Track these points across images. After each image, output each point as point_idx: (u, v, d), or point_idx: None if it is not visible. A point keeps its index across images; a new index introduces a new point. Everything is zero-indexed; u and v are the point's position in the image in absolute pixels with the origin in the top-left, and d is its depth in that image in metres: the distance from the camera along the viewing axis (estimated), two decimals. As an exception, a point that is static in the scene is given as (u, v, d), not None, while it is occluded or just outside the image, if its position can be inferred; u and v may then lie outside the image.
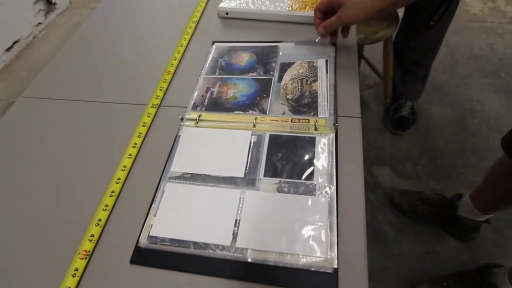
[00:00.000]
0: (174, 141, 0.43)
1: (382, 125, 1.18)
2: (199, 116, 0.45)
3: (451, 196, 0.91)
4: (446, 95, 1.23)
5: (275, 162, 0.39)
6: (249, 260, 0.32)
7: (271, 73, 0.49)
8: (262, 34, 0.56)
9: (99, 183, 0.40)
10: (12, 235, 0.37)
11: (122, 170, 0.40)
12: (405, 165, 1.07)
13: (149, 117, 0.46)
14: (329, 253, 0.31)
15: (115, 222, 0.37)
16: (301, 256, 0.32)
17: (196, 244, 0.34)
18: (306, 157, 0.39)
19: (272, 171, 0.38)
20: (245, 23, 0.59)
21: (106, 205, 0.38)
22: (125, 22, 0.65)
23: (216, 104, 0.46)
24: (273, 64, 0.50)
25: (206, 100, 0.47)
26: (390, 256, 0.88)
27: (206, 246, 0.33)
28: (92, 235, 0.35)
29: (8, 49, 1.51)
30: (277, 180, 0.37)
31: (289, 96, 0.46)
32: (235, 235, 0.34)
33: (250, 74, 0.50)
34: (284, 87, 0.47)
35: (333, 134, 0.40)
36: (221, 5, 0.60)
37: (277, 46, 0.53)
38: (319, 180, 0.37)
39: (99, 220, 0.36)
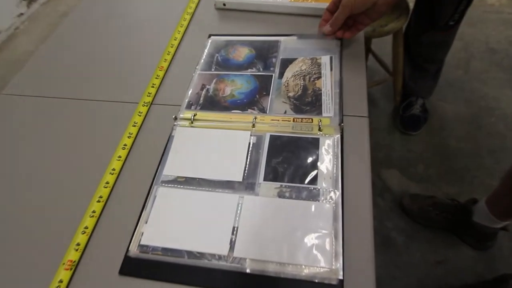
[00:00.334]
0: (167, 142, 0.43)
1: (391, 125, 1.18)
2: (194, 115, 0.45)
3: (465, 200, 0.91)
4: (460, 91, 1.23)
5: (276, 165, 0.39)
6: (248, 270, 0.32)
7: (272, 69, 0.49)
8: (262, 27, 0.56)
9: (85, 188, 0.40)
10: (-9, 244, 0.37)
11: (110, 173, 0.40)
12: (416, 167, 1.07)
13: (140, 116, 0.46)
14: (334, 263, 0.32)
15: (103, 230, 0.37)
16: (303, 266, 0.32)
17: (190, 254, 0.34)
18: (309, 159, 0.39)
19: (272, 174, 0.38)
20: (243, 15, 0.59)
21: (94, 211, 0.37)
22: (115, 13, 0.65)
23: (212, 103, 0.46)
24: (274, 60, 0.50)
25: (201, 98, 0.47)
26: (399, 265, 0.88)
27: (201, 255, 0.33)
28: (78, 244, 0.35)
29: (-13, 42, 1.51)
30: (278, 184, 0.37)
31: (290, 94, 0.46)
32: (232, 244, 0.34)
33: (249, 70, 0.50)
34: (286, 84, 0.47)
35: (339, 135, 0.40)
36: (217, -5, 0.60)
37: (278, 40, 0.53)
38: (323, 184, 0.37)
39: (86, 227, 0.36)
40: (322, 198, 0.36)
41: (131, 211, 0.38)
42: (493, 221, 0.83)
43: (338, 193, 0.36)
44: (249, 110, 0.45)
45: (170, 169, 0.40)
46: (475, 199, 0.89)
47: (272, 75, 0.48)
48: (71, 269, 0.34)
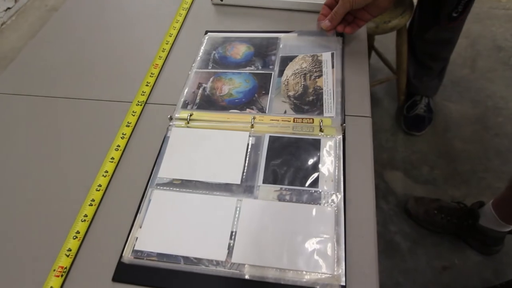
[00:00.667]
0: (162, 143, 0.43)
1: (395, 125, 1.19)
2: (190, 115, 0.45)
3: (471, 204, 0.92)
4: (466, 91, 1.24)
5: (276, 167, 0.39)
6: (247, 277, 0.32)
7: (271, 67, 0.49)
8: (261, 23, 0.56)
9: (77, 191, 0.40)
10: (-22, 250, 0.37)
11: (103, 175, 0.41)
12: (421, 169, 1.07)
13: (134, 116, 0.46)
14: (336, 269, 0.32)
15: (95, 235, 0.37)
16: (304, 272, 0.32)
17: (186, 259, 0.34)
18: (310, 161, 0.39)
19: (272, 177, 0.38)
20: (242, 10, 0.59)
21: (85, 216, 0.38)
22: (107, 8, 0.65)
23: (209, 102, 0.47)
24: (273, 57, 0.51)
25: (198, 97, 0.47)
26: (403, 271, 0.89)
27: (198, 261, 0.34)
28: (70, 249, 0.35)
29: (-28, 38, 1.50)
30: (277, 187, 0.38)
31: (291, 93, 0.46)
32: (230, 249, 0.34)
33: (247, 68, 0.50)
34: (285, 83, 0.47)
35: (340, 136, 0.40)
36: (214, -10, 0.61)
37: (277, 37, 0.53)
38: (324, 187, 0.37)
39: (77, 232, 0.36)
40: (324, 201, 0.36)
41: (125, 215, 0.38)
42: (500, 224, 0.83)
43: (340, 196, 0.36)
44: (247, 110, 0.45)
45: (166, 171, 0.40)
46: (482, 202, 0.89)
47: (271, 73, 0.49)
48: (62, 275, 0.34)
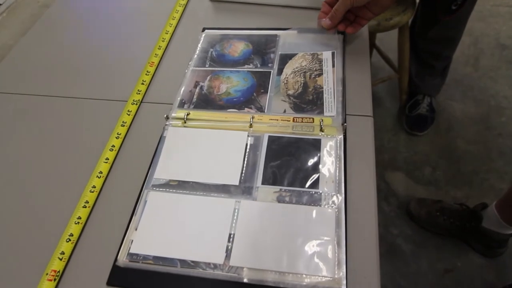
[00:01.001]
0: (158, 143, 0.43)
1: (396, 125, 1.19)
2: (187, 114, 0.45)
3: (474, 205, 0.92)
4: (469, 90, 1.24)
5: (275, 168, 0.39)
6: (245, 280, 0.32)
7: (270, 65, 0.49)
8: (259, 20, 0.57)
9: (70, 192, 0.40)
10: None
11: (97, 176, 0.40)
12: (423, 170, 1.08)
13: (129, 115, 0.46)
14: (336, 272, 0.32)
15: (89, 237, 0.37)
16: (304, 275, 0.32)
17: (183, 263, 0.34)
18: (310, 162, 0.39)
19: (271, 178, 0.38)
20: (240, 7, 0.59)
21: (79, 218, 0.37)
22: (102, 4, 0.65)
23: (206, 101, 0.47)
24: (272, 55, 0.51)
25: (195, 96, 0.47)
26: (405, 274, 0.89)
27: (195, 264, 0.34)
28: (63, 253, 0.35)
29: (-38, 35, 1.49)
30: (277, 188, 0.38)
31: (290, 92, 0.46)
32: (228, 252, 0.34)
33: (246, 66, 0.50)
34: (285, 81, 0.47)
35: (341, 136, 0.40)
36: (212, -14, 0.61)
37: (276, 34, 0.53)
38: (325, 188, 0.37)
39: (71, 235, 0.36)
40: (324, 203, 0.36)
41: (120, 217, 0.37)
42: (504, 226, 0.84)
43: (341, 197, 0.36)
44: (246, 109, 0.45)
45: (162, 172, 0.40)
46: (485, 203, 0.90)
47: (270, 72, 0.49)
48: (54, 280, 0.34)
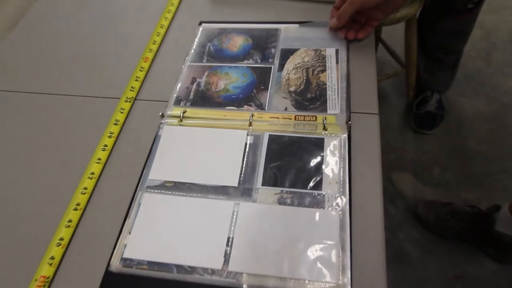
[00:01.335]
0: (153, 142, 0.43)
1: (403, 123, 1.19)
2: (184, 112, 0.45)
3: (486, 208, 0.92)
4: (481, 86, 1.24)
5: (276, 169, 0.39)
6: (244, 286, 0.32)
7: (270, 60, 0.50)
8: (259, 13, 0.57)
9: (61, 194, 0.40)
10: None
11: (89, 177, 0.40)
12: (431, 170, 1.08)
13: (122, 113, 0.46)
14: (340, 277, 0.32)
15: (80, 241, 0.37)
16: (307, 281, 0.32)
17: (180, 268, 0.34)
18: (313, 162, 0.39)
19: (271, 179, 0.38)
20: (238, -1, 0.59)
21: (70, 221, 0.37)
22: (93, -3, 0.65)
23: (203, 98, 0.47)
24: (273, 50, 0.51)
25: (191, 93, 0.47)
26: (413, 281, 0.89)
27: (192, 270, 0.34)
28: (53, 257, 0.35)
29: None
30: (277, 190, 0.38)
31: (292, 89, 0.46)
32: (227, 257, 0.34)
33: (245, 61, 0.50)
34: (286, 78, 0.47)
35: (346, 135, 0.41)
36: (209, -23, 0.61)
37: (277, 28, 0.53)
38: (328, 189, 0.37)
39: (61, 239, 0.36)
40: (328, 205, 0.36)
41: (113, 220, 0.38)
42: (518, 230, 0.84)
43: (345, 199, 0.36)
44: (245, 106, 0.45)
45: (157, 173, 0.40)
46: (498, 205, 0.89)
47: (271, 67, 0.49)
48: (44, 286, 0.34)
